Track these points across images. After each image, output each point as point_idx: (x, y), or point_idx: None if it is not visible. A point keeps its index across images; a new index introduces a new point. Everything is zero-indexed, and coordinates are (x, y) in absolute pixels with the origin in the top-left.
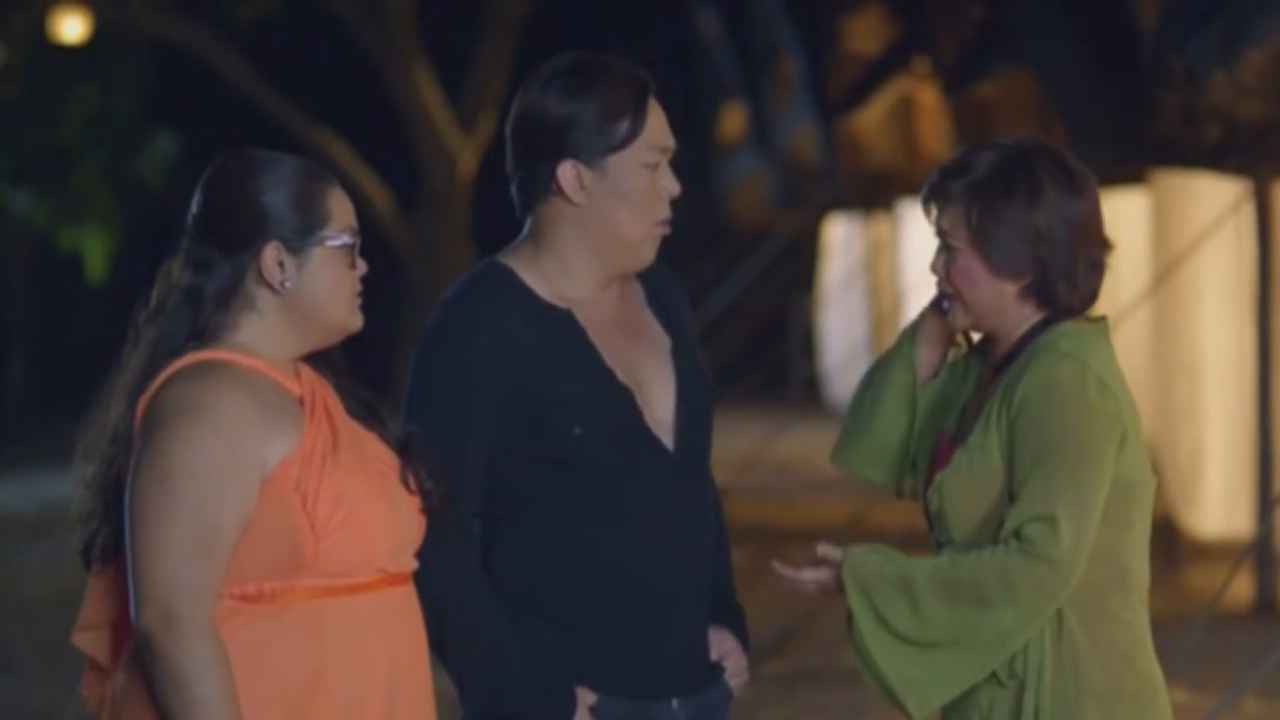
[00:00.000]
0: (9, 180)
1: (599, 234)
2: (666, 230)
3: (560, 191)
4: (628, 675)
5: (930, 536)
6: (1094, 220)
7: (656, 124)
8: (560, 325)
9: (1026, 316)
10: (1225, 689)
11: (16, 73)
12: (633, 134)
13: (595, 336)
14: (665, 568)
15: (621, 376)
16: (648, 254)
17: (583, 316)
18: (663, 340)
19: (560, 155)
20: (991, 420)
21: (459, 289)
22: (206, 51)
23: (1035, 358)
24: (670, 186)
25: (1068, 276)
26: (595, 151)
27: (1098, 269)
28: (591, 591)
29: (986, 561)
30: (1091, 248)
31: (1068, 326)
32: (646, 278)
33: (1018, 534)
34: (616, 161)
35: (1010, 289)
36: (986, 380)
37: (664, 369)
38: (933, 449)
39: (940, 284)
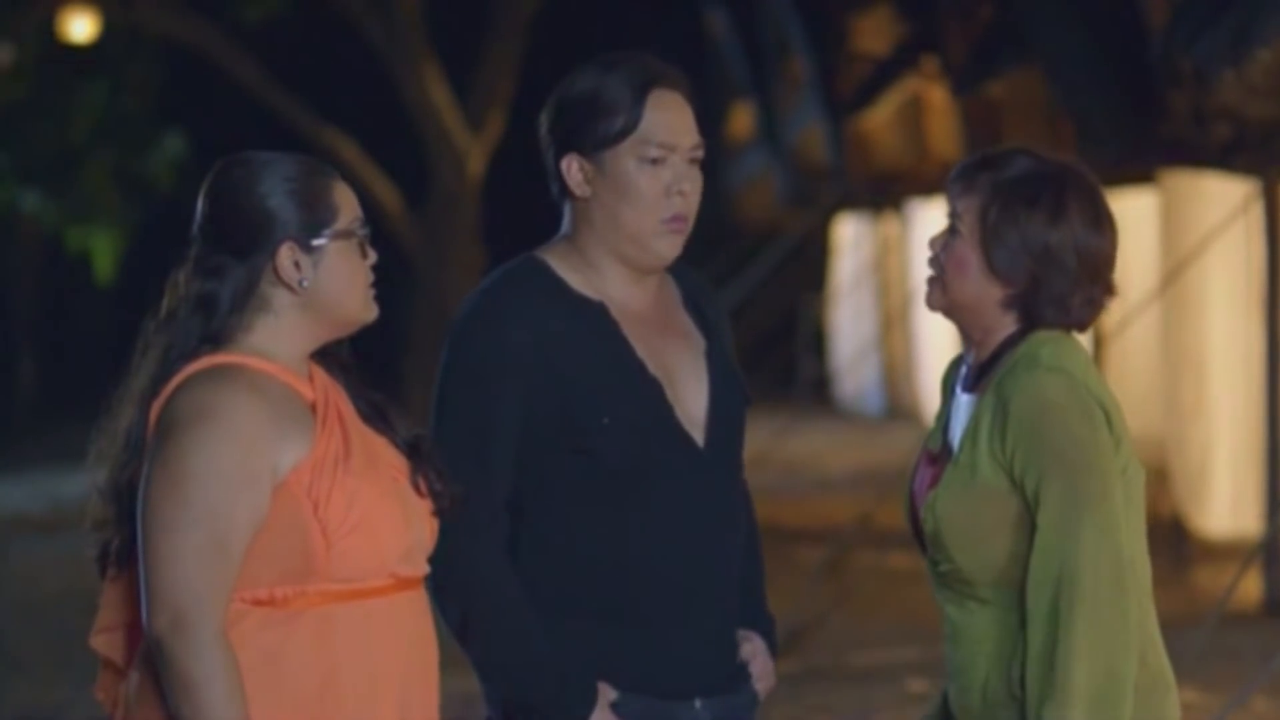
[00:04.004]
0: (18, 180)
1: (604, 229)
2: (677, 227)
3: (566, 185)
4: (651, 672)
5: (925, 557)
6: (1105, 260)
7: (661, 119)
8: (592, 317)
9: (1005, 325)
10: (1234, 688)
11: (25, 72)
12: (628, 128)
13: (628, 330)
14: (691, 564)
15: (653, 370)
16: (663, 249)
17: (616, 310)
18: (698, 340)
19: (563, 148)
20: (981, 434)
21: (493, 280)
22: (215, 51)
23: (1018, 369)
24: (677, 184)
25: (1061, 304)
26: (593, 145)
27: (1095, 305)
28: (616, 585)
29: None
30: (1095, 286)
31: (1044, 335)
32: (685, 282)
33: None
34: (613, 156)
35: (997, 293)
36: (968, 388)
37: (697, 367)
38: (915, 467)
39: (931, 261)
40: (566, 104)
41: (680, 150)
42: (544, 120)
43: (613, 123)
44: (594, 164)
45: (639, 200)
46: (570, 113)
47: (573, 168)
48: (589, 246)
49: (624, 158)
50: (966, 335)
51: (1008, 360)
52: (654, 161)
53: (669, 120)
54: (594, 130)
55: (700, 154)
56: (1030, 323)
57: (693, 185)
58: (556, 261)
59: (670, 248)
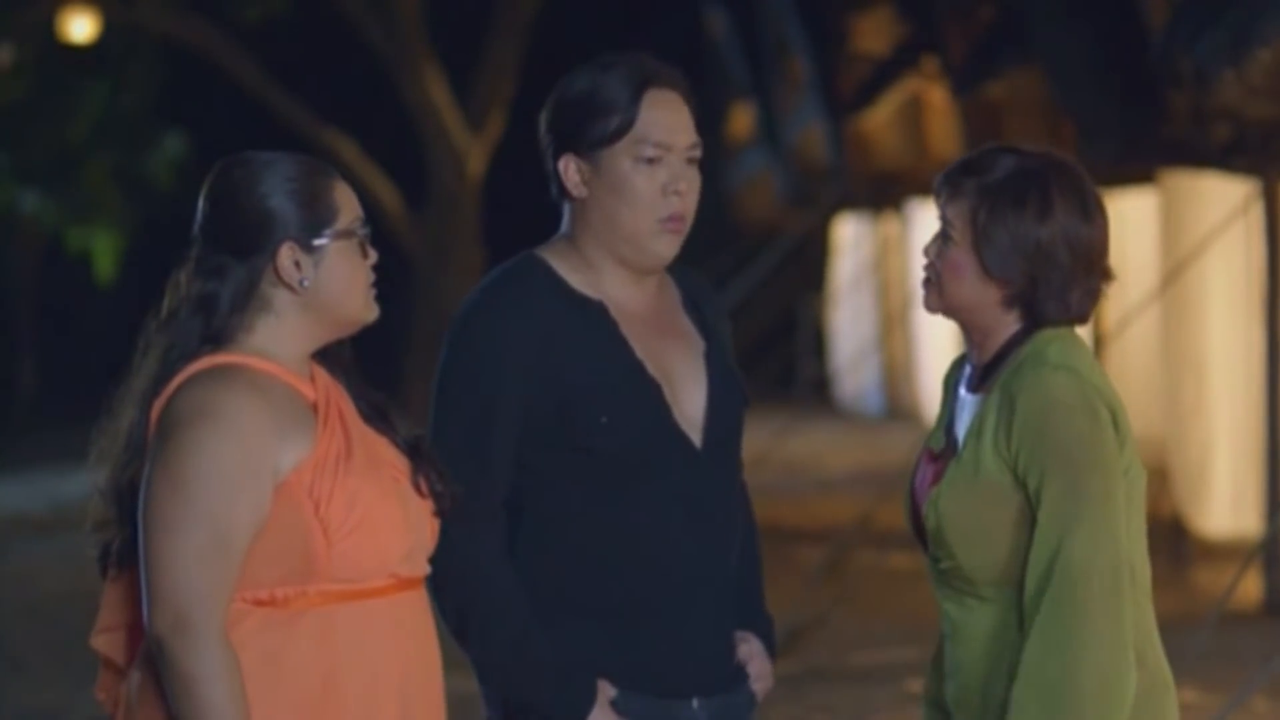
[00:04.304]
0: (18, 180)
1: (601, 229)
2: (674, 227)
3: (564, 186)
4: (649, 671)
5: (926, 554)
6: (1099, 248)
7: (657, 118)
8: (592, 316)
9: (1008, 324)
10: (1234, 688)
11: (25, 72)
12: (623, 128)
13: (627, 329)
14: (687, 564)
15: (652, 370)
16: (660, 249)
17: (615, 310)
18: (697, 342)
19: (561, 148)
20: (986, 430)
21: (493, 277)
22: (215, 51)
23: (1025, 367)
24: (674, 183)
25: (1060, 298)
26: (589, 145)
27: (1093, 295)
28: (612, 583)
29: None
30: (1091, 275)
31: (1050, 333)
32: (685, 283)
33: (1059, 553)
34: (608, 155)
35: (995, 294)
36: (973, 387)
37: (696, 368)
38: (916, 465)
39: (926, 267)
40: (563, 104)
41: (677, 150)
42: (542, 120)
43: (608, 122)
44: (590, 164)
45: (635, 200)
46: (567, 113)
47: (570, 168)
48: (587, 246)
49: (620, 157)
50: (968, 335)
51: (1014, 359)
52: (650, 161)
53: (665, 119)
54: (590, 130)
55: (698, 153)
56: (1033, 320)
57: (690, 185)
58: (556, 260)
59: (667, 247)
